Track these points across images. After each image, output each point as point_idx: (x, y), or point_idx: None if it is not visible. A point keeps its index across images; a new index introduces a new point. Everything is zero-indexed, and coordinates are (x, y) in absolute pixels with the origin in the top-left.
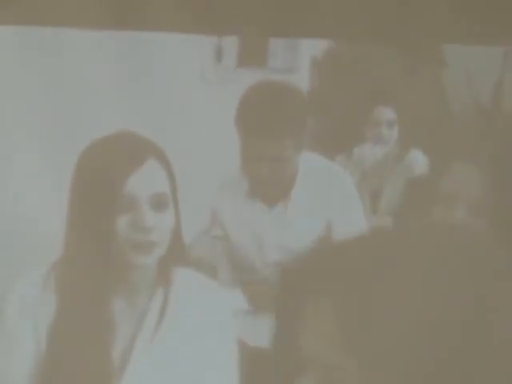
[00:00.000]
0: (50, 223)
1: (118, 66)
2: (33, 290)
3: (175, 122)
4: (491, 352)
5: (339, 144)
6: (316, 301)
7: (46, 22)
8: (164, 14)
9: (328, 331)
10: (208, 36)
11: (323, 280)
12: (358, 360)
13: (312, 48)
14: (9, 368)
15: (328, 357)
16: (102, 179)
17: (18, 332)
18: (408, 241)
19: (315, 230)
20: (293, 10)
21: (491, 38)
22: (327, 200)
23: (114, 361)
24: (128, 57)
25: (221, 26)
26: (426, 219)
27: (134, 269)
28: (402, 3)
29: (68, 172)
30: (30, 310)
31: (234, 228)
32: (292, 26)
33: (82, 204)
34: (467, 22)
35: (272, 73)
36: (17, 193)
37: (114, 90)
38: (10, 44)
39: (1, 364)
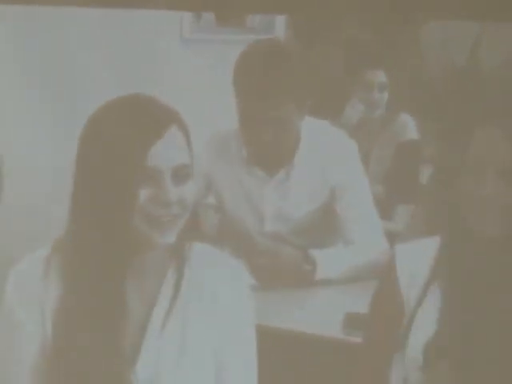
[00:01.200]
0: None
1: (98, 28)
2: (35, 272)
3: (155, 83)
4: None
5: (326, 109)
6: None
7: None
8: None
9: None
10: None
11: None
12: None
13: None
14: (13, 354)
15: None
16: (120, 149)
17: (20, 317)
18: None
19: (318, 198)
20: None
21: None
22: (331, 167)
23: (125, 346)
24: (107, 19)
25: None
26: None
27: (153, 248)
28: None
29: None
30: (34, 294)
31: (231, 197)
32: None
33: (94, 176)
34: None
35: (250, 32)
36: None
37: (92, 52)
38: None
39: (4, 350)
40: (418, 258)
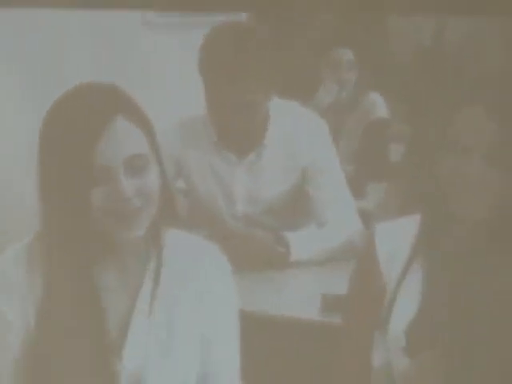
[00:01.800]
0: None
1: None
2: (17, 262)
3: (118, 68)
4: None
5: (294, 90)
6: None
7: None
8: None
9: None
10: None
11: None
12: None
13: None
14: None
15: None
16: (66, 149)
17: (2, 307)
18: None
19: (290, 179)
20: None
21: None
22: (301, 148)
23: (112, 336)
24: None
25: None
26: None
27: (125, 242)
28: None
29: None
30: (17, 284)
31: (202, 181)
32: None
33: (50, 176)
34: None
35: (213, 14)
36: None
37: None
38: None
39: None
40: (398, 237)
